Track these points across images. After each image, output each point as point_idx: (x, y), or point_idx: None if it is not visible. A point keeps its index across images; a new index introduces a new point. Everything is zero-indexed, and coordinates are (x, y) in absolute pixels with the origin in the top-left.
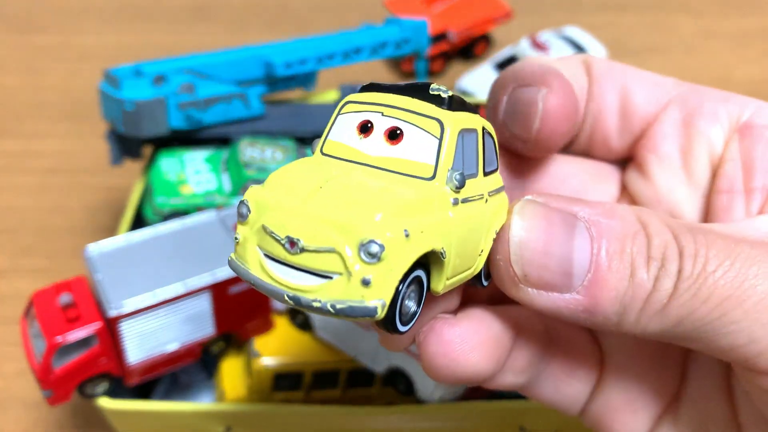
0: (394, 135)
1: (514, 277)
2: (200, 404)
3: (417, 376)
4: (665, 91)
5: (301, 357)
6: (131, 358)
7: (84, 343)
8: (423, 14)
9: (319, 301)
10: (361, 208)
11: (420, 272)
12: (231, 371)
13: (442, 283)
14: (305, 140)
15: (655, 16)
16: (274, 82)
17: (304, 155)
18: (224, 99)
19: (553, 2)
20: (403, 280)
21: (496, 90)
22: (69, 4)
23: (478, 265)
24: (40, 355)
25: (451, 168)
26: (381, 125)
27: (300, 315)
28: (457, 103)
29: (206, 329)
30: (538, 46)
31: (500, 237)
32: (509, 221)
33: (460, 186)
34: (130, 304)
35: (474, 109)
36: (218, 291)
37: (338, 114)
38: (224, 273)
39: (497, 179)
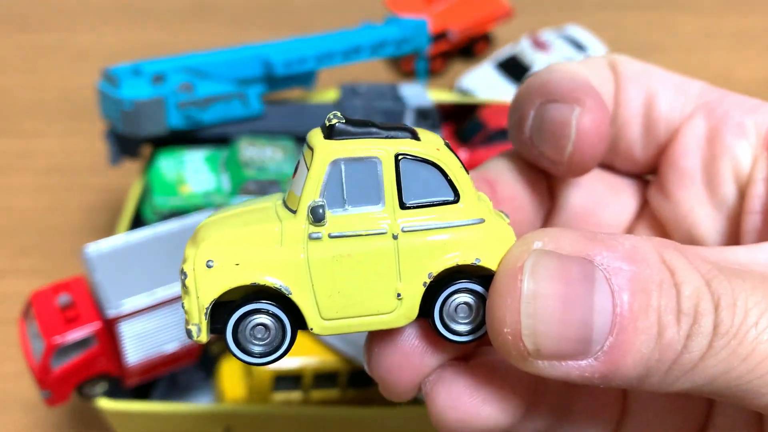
0: (294, 170)
1: (524, 353)
2: (199, 405)
3: None
4: (690, 98)
5: (300, 357)
6: (130, 358)
7: (83, 343)
8: (423, 13)
9: (186, 326)
10: (198, 240)
11: (267, 306)
12: (230, 372)
13: (317, 322)
14: (305, 140)
15: (656, 15)
16: (273, 81)
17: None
18: (223, 98)
19: (554, 1)
20: (226, 309)
21: (520, 103)
22: (68, 3)
23: (403, 312)
24: (38, 356)
25: (315, 200)
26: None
27: None
28: (340, 132)
29: None
30: (539, 45)
31: (502, 301)
32: (519, 279)
33: (317, 219)
34: (128, 305)
35: (390, 134)
36: None
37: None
38: None
39: (453, 212)
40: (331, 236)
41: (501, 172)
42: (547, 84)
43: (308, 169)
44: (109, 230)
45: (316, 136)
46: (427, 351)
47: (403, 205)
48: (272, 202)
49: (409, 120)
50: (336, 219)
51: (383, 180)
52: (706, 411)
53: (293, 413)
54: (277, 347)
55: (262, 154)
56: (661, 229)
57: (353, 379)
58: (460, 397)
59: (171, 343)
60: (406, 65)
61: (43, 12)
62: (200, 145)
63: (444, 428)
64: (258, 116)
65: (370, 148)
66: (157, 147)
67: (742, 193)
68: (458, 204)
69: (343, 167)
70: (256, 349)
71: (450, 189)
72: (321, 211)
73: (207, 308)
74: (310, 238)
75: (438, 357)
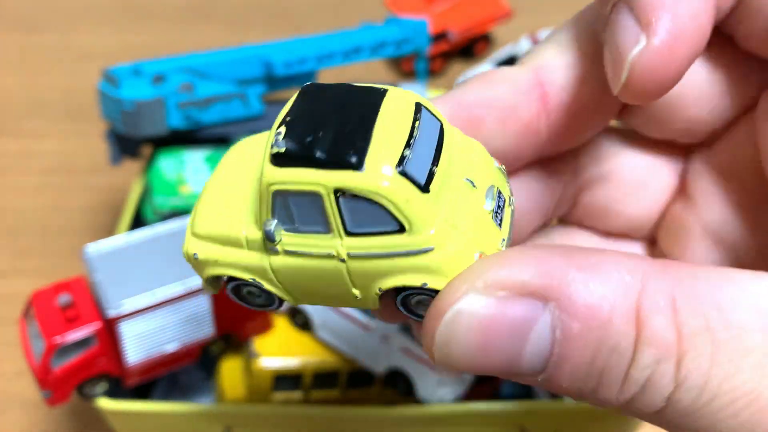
0: None
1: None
2: (199, 405)
3: (417, 377)
4: None
5: (300, 357)
6: (130, 358)
7: (83, 343)
8: (423, 14)
9: None
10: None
11: (252, 282)
12: (230, 372)
13: (291, 300)
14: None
15: None
16: (273, 81)
17: None
18: (224, 98)
19: (554, 1)
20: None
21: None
22: (68, 4)
23: (368, 303)
24: (39, 356)
25: (268, 219)
26: None
27: (300, 315)
28: (280, 161)
29: (206, 330)
30: None
31: (424, 335)
32: (438, 325)
33: (269, 240)
34: (129, 305)
35: (330, 162)
36: None
37: None
38: None
39: (399, 241)
40: (286, 252)
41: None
42: None
43: (259, 191)
44: (109, 230)
45: (265, 153)
46: None
47: (348, 233)
48: (256, 172)
49: None
50: (289, 236)
51: (327, 211)
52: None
53: (293, 413)
54: (271, 303)
55: None
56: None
57: (353, 379)
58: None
59: (171, 343)
60: (406, 65)
61: (43, 12)
62: (200, 145)
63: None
64: (258, 116)
65: (309, 182)
66: (157, 147)
67: None
68: (404, 234)
69: (287, 197)
70: (258, 302)
71: (393, 221)
72: (272, 233)
73: (207, 280)
74: (269, 250)
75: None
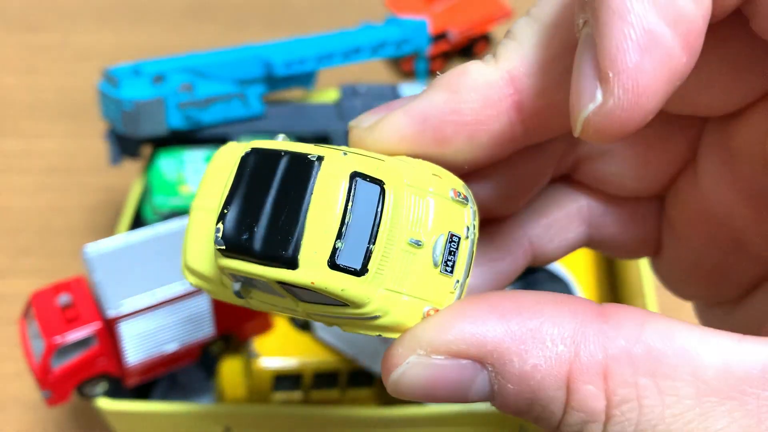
0: None
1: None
2: (199, 405)
3: None
4: None
5: (300, 357)
6: (130, 358)
7: (83, 343)
8: (423, 14)
9: None
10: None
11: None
12: (230, 372)
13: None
14: (305, 140)
15: None
16: (273, 81)
17: None
18: (223, 99)
19: None
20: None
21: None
22: (68, 3)
23: None
24: (38, 356)
25: (231, 284)
26: None
27: None
28: (230, 252)
29: (206, 330)
30: None
31: (381, 366)
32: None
33: (239, 297)
34: (129, 305)
35: (268, 259)
36: None
37: None
38: None
39: (347, 310)
40: (255, 300)
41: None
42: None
43: None
44: (109, 230)
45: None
46: None
47: (303, 301)
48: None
49: None
50: (253, 292)
51: (276, 290)
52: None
53: (293, 413)
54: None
55: None
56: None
57: (353, 379)
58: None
59: (171, 343)
60: (406, 65)
61: (43, 12)
62: (200, 145)
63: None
64: (258, 116)
65: (254, 273)
66: (157, 147)
67: None
68: (348, 307)
69: (243, 280)
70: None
71: (336, 300)
72: (239, 294)
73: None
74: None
75: None
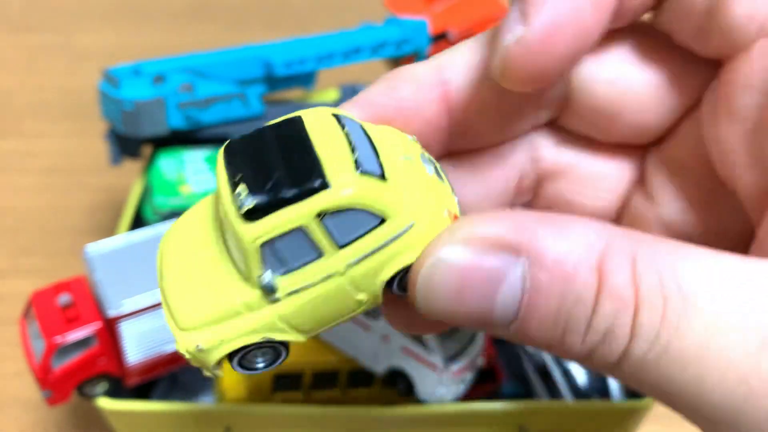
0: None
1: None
2: (200, 404)
3: (417, 377)
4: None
5: (300, 357)
6: (131, 358)
7: (83, 343)
8: (423, 14)
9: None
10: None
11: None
12: (231, 371)
13: (302, 338)
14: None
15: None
16: (273, 81)
17: None
18: (224, 99)
19: None
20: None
21: None
22: (69, 4)
23: (367, 306)
24: (39, 356)
25: (259, 275)
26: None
27: None
28: (254, 215)
29: None
30: None
31: (410, 286)
32: (414, 279)
33: (269, 292)
34: (129, 304)
35: (300, 195)
36: None
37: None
38: None
39: (383, 232)
40: (288, 294)
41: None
42: None
43: (241, 251)
44: (109, 230)
45: (232, 217)
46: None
47: (340, 247)
48: (216, 242)
49: None
50: (286, 279)
51: (314, 238)
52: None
53: (293, 413)
54: (277, 357)
55: None
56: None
57: (353, 379)
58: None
59: (171, 343)
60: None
61: (43, 12)
62: (201, 145)
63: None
64: (258, 116)
65: (291, 221)
66: (157, 147)
67: None
68: (386, 224)
69: (273, 243)
70: (260, 365)
71: (373, 216)
72: (270, 284)
73: (212, 367)
74: (272, 301)
75: None
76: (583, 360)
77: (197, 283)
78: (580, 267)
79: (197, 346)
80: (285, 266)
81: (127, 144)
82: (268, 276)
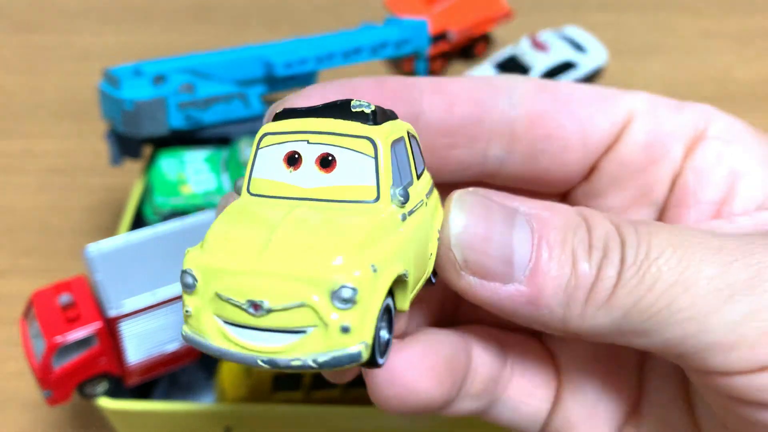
0: (326, 162)
1: (455, 263)
2: (200, 404)
3: None
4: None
5: None
6: (131, 358)
7: (84, 343)
8: (423, 14)
9: (299, 359)
10: (320, 253)
11: (388, 299)
12: (231, 371)
13: (407, 301)
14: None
15: (656, 16)
16: (274, 82)
17: None
18: (224, 99)
19: (554, 2)
20: (379, 316)
21: None
22: (69, 4)
23: (430, 267)
24: (39, 355)
25: (392, 185)
26: (309, 154)
27: None
28: (381, 116)
29: None
30: (538, 45)
31: (441, 225)
32: (448, 208)
33: (406, 201)
34: (129, 304)
35: (394, 114)
36: None
37: (258, 148)
38: None
39: (427, 178)
40: (409, 213)
41: None
42: None
43: (374, 158)
44: (110, 230)
45: (349, 126)
46: None
47: (418, 176)
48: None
49: None
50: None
51: (409, 156)
52: (638, 387)
53: (293, 413)
54: (387, 344)
55: None
56: None
57: (353, 379)
58: (397, 372)
59: (172, 343)
60: (406, 66)
61: (44, 12)
62: (201, 145)
63: (384, 404)
64: (258, 116)
65: (399, 128)
66: (157, 147)
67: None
68: (425, 171)
69: (394, 149)
70: (381, 350)
71: (423, 159)
72: (407, 193)
73: (378, 316)
74: (402, 219)
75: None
76: (593, 303)
77: (300, 245)
78: (565, 208)
79: (372, 266)
80: (400, 185)
81: (128, 144)
82: (401, 185)
